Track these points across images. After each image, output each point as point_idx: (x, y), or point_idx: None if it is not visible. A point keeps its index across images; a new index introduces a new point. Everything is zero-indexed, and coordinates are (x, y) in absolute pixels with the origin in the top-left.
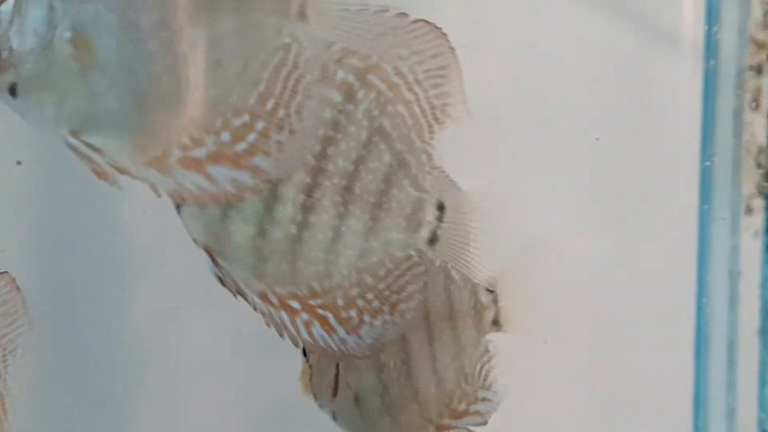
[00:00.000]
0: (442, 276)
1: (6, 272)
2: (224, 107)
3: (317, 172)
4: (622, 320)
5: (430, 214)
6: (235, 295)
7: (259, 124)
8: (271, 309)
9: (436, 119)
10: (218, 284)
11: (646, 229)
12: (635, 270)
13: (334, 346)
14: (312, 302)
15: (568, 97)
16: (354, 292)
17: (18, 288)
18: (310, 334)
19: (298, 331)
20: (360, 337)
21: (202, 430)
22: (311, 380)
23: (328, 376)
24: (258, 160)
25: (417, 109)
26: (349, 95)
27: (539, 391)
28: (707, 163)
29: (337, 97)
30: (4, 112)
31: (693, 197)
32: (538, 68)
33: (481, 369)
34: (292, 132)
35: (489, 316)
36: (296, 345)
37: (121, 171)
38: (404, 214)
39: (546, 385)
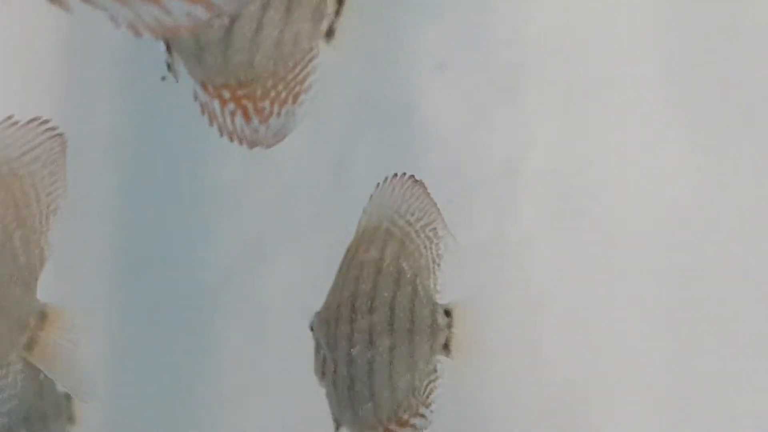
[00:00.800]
0: (410, 289)
1: (61, 134)
2: None
3: None
4: (706, 266)
5: (331, 6)
6: (176, 80)
7: None
8: (208, 98)
9: None
10: (303, 220)
11: (737, 161)
12: (727, 203)
13: (248, 135)
14: (239, 92)
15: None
16: (269, 83)
17: (64, 151)
18: (233, 123)
19: (224, 120)
20: (268, 126)
21: (284, 363)
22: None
23: (319, 356)
24: None
25: None
26: None
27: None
28: None
29: None
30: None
31: None
32: None
33: (426, 386)
34: None
35: (441, 338)
36: (221, 134)
37: None
38: (311, 6)
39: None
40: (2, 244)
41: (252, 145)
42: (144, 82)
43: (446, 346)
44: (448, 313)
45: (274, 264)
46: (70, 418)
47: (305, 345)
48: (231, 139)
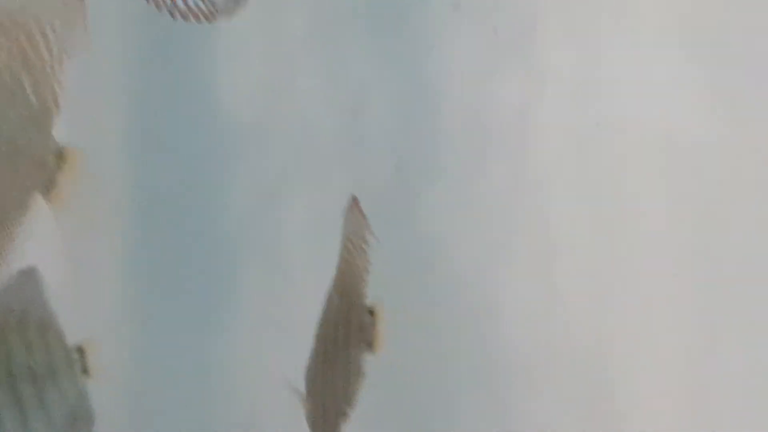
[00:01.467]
0: (349, 303)
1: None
2: None
3: None
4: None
5: None
6: None
7: None
8: None
9: None
10: (320, 165)
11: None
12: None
13: (204, 8)
14: None
15: None
16: None
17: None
18: (185, 3)
19: (173, 3)
20: None
21: (302, 309)
22: None
23: None
24: None
25: None
26: None
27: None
28: None
29: None
30: None
31: None
32: None
33: (356, 389)
34: None
35: (367, 337)
36: (173, 17)
37: None
38: None
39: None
40: (12, 89)
41: (211, 18)
42: (155, 24)
43: (369, 344)
44: (371, 311)
45: (291, 209)
46: (85, 371)
47: (322, 289)
48: (186, 19)
